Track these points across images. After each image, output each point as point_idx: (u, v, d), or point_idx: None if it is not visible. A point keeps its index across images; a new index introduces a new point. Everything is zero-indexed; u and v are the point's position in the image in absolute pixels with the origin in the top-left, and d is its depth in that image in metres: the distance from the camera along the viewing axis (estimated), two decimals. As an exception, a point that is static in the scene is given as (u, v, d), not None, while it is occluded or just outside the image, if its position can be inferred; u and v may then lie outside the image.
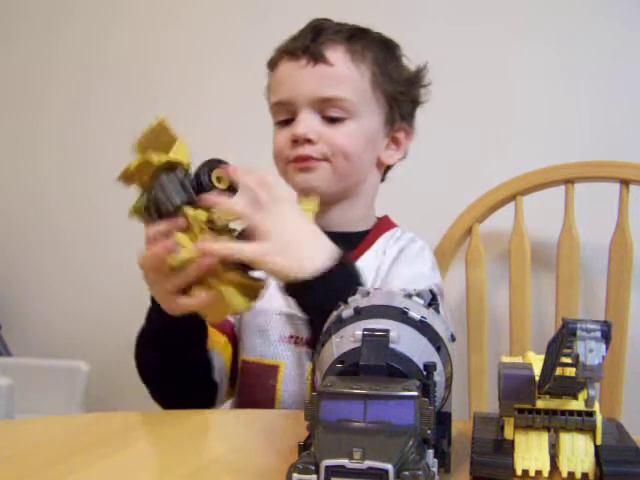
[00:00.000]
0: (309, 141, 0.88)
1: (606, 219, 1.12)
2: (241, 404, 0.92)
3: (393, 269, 0.91)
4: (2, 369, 1.36)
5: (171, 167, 0.69)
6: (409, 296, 0.49)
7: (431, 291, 0.51)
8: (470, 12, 1.31)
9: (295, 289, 0.70)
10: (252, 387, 0.91)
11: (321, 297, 0.64)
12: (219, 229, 0.69)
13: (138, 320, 1.57)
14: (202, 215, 0.68)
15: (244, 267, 0.69)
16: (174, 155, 0.68)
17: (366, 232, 0.96)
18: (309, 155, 0.88)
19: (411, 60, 0.97)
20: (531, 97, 1.27)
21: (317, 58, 0.88)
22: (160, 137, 0.69)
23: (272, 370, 0.89)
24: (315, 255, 0.69)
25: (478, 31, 1.30)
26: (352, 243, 0.93)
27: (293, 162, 0.90)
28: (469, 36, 1.30)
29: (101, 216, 1.61)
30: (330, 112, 0.89)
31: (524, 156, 1.24)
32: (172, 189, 0.68)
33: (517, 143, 1.28)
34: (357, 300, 0.49)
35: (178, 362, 0.81)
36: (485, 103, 1.29)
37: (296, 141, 0.88)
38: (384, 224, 0.99)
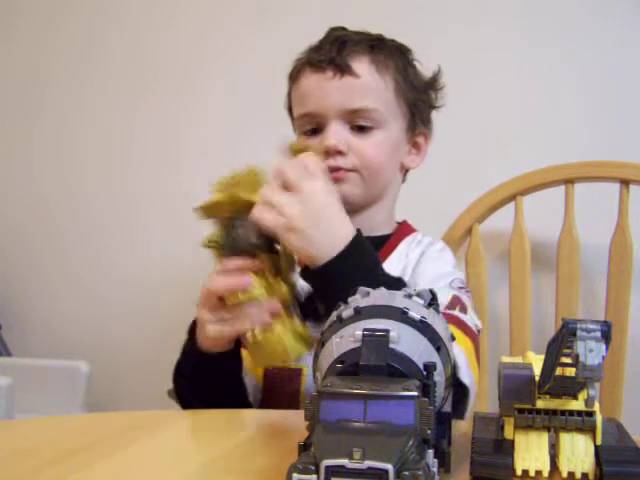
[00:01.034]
0: (340, 152, 0.89)
1: (606, 219, 1.12)
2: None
3: (417, 270, 0.93)
4: (2, 369, 1.36)
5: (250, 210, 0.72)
6: (409, 296, 0.49)
7: (431, 291, 0.51)
8: (469, 14, 1.31)
9: (310, 273, 0.73)
10: (276, 392, 0.90)
11: (333, 284, 0.69)
12: (283, 277, 0.73)
13: (138, 320, 1.58)
14: (271, 260, 0.72)
15: (304, 315, 0.73)
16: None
17: (388, 236, 0.98)
18: (340, 166, 0.90)
19: (422, 64, 0.98)
20: (531, 97, 1.27)
21: (343, 70, 0.89)
22: (247, 182, 0.72)
23: (295, 374, 0.89)
24: (335, 241, 0.72)
25: (477, 32, 1.30)
26: (375, 246, 0.95)
27: None
28: (468, 37, 1.30)
29: (100, 217, 1.61)
30: (359, 122, 0.90)
31: (524, 156, 1.24)
32: (252, 229, 0.71)
33: (517, 143, 1.28)
34: (357, 300, 0.49)
35: (216, 392, 0.80)
36: (485, 103, 1.29)
37: (327, 152, 0.89)
38: (405, 229, 1.01)
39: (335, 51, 0.90)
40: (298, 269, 0.76)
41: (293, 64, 0.96)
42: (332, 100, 0.89)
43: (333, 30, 0.96)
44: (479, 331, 0.89)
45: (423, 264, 0.93)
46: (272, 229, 0.71)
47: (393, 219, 1.01)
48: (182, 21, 1.54)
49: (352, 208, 0.94)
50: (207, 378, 0.80)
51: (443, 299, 0.85)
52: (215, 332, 0.73)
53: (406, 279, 0.89)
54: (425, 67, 0.99)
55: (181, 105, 1.54)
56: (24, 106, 1.69)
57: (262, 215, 0.70)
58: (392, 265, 0.92)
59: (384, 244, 0.96)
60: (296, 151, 0.75)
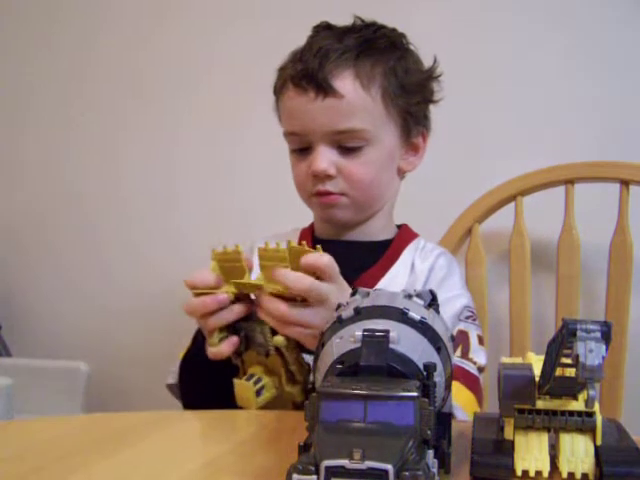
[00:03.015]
0: (328, 176, 0.88)
1: (606, 219, 1.12)
2: None
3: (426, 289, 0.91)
4: (2, 369, 1.36)
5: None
6: (409, 296, 0.49)
7: (431, 291, 0.51)
8: (471, 12, 1.31)
9: None
10: None
11: None
12: (296, 378, 0.72)
13: (137, 320, 1.58)
14: (284, 362, 0.71)
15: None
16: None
17: (389, 241, 0.97)
18: (329, 191, 0.89)
19: (418, 48, 0.95)
20: (531, 97, 1.27)
21: (326, 91, 0.86)
22: (233, 262, 0.71)
23: None
24: None
25: (479, 31, 1.30)
26: (376, 253, 0.95)
27: (315, 196, 0.91)
28: (469, 36, 1.30)
29: (98, 218, 1.61)
30: (347, 143, 0.88)
31: (524, 156, 1.24)
32: (270, 335, 0.70)
33: (517, 143, 1.28)
34: (357, 300, 0.49)
35: (217, 389, 0.78)
36: (485, 103, 1.29)
37: (315, 176, 0.89)
38: (406, 234, 0.99)
39: (317, 66, 0.86)
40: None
41: (277, 73, 0.93)
42: (317, 123, 0.87)
43: (316, 33, 0.92)
44: (482, 368, 0.88)
45: (431, 284, 0.91)
46: (299, 339, 0.69)
47: (392, 223, 1.00)
48: (177, 22, 1.54)
49: (347, 226, 0.94)
50: (207, 379, 0.79)
51: None
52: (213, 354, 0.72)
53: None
54: (422, 54, 0.95)
55: (178, 109, 1.53)
56: (20, 108, 1.68)
57: (291, 331, 0.67)
58: (399, 275, 0.92)
59: (386, 250, 0.95)
60: (297, 250, 0.69)
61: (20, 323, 1.65)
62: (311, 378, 0.73)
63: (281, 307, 0.66)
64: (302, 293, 0.66)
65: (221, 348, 0.71)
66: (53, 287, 1.65)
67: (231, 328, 0.72)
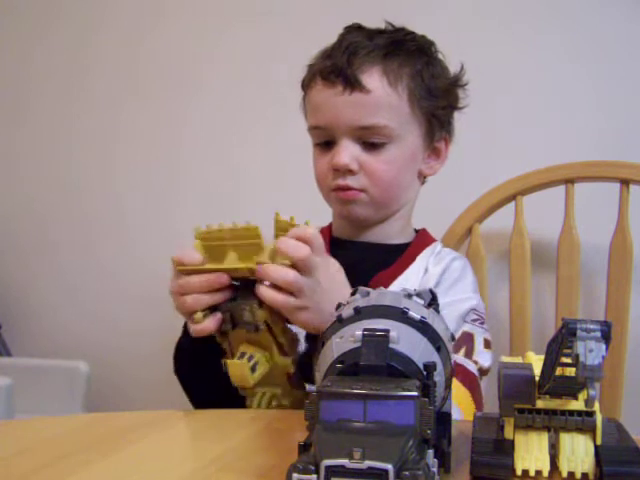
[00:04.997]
0: (350, 171, 0.88)
1: (606, 219, 1.12)
2: None
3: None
4: (2, 369, 1.36)
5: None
6: (409, 296, 0.49)
7: (431, 291, 0.51)
8: (471, 11, 1.31)
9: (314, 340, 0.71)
10: None
11: None
12: (286, 350, 0.72)
13: (137, 319, 1.58)
14: (273, 337, 0.71)
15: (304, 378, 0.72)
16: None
17: (405, 245, 0.97)
18: (350, 186, 0.89)
19: (446, 57, 0.96)
20: (531, 97, 1.27)
21: (353, 85, 0.87)
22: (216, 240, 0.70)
23: None
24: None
25: (477, 32, 1.30)
26: (392, 256, 0.95)
27: (334, 191, 0.91)
28: (468, 37, 1.30)
29: (97, 216, 1.61)
30: (370, 139, 0.88)
31: (524, 156, 1.24)
32: (257, 310, 0.69)
33: (517, 143, 1.28)
34: (357, 300, 0.49)
35: (210, 374, 0.77)
36: (485, 103, 1.29)
37: (337, 170, 0.89)
38: (423, 238, 0.99)
39: (345, 61, 0.87)
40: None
41: (307, 69, 0.94)
42: (342, 116, 0.88)
43: (347, 32, 0.93)
44: (485, 370, 0.87)
45: (442, 286, 0.91)
46: (282, 310, 0.69)
47: (410, 227, 1.00)
48: (176, 19, 1.53)
49: (365, 224, 0.94)
50: (206, 354, 0.77)
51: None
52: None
53: None
54: (449, 61, 0.96)
55: (177, 106, 1.53)
56: (16, 108, 1.68)
57: (274, 298, 0.67)
58: (410, 279, 0.92)
59: (402, 254, 0.95)
60: (283, 224, 0.71)
61: (20, 323, 1.65)
62: (300, 348, 0.75)
63: (290, 273, 0.67)
64: (299, 261, 0.67)
65: (205, 323, 0.70)
66: (52, 286, 1.65)
67: (212, 308, 0.71)
